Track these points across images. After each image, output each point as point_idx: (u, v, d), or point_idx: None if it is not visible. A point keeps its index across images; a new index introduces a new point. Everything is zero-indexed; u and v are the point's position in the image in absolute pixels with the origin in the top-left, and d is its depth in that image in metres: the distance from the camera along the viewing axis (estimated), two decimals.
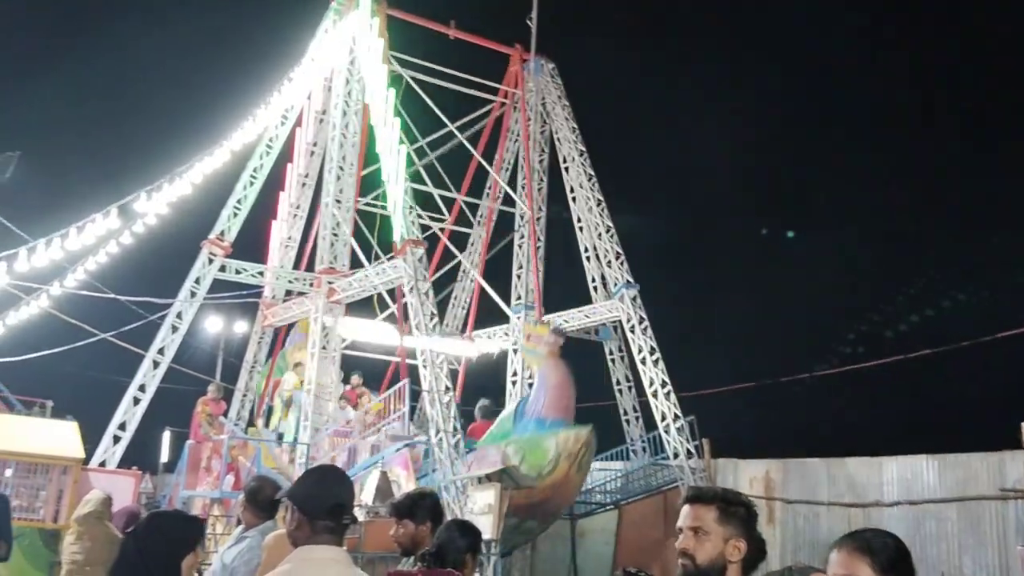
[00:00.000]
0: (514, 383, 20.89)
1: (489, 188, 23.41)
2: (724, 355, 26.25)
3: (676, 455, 17.89)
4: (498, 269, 22.54)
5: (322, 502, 3.43)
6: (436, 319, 17.08)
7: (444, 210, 21.63)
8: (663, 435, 18.29)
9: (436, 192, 20.96)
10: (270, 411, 19.98)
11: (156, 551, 3.92)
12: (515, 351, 21.02)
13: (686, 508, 3.25)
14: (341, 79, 20.09)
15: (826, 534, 15.57)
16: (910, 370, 18.29)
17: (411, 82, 20.13)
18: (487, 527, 12.79)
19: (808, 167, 31.04)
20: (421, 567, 4.81)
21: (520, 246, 22.01)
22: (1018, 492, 13.69)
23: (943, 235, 27.49)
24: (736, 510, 3.20)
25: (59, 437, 12.77)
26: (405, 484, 14.58)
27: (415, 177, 19.19)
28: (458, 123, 21.90)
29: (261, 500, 5.93)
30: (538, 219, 22.25)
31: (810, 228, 30.13)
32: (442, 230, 21.36)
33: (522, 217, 22.24)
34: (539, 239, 22.10)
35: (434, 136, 21.54)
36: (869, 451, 16.16)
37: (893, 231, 28.57)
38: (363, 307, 19.85)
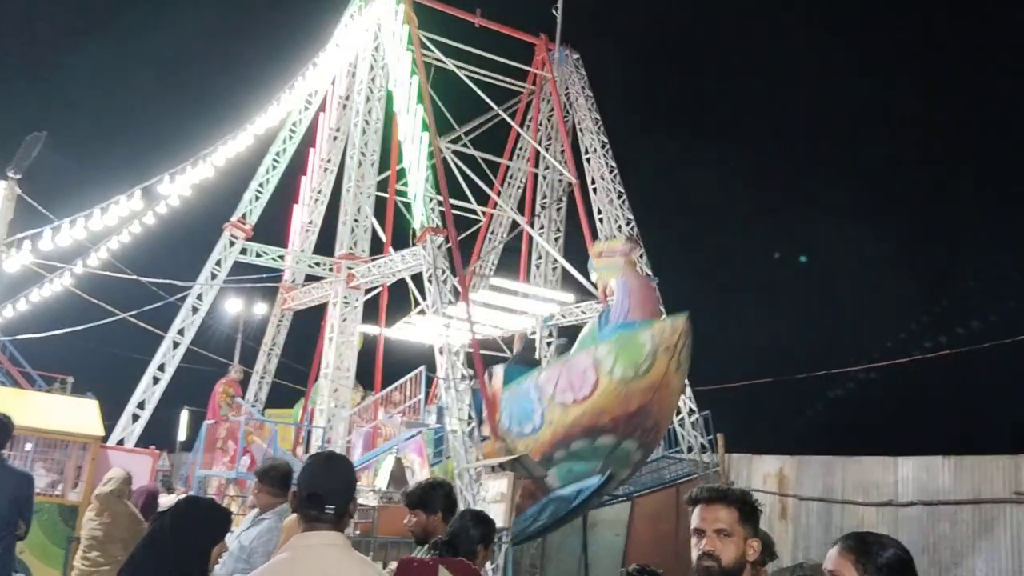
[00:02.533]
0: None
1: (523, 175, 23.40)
2: (741, 350, 26.18)
3: (690, 449, 17.90)
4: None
5: (301, 490, 3.46)
6: (453, 305, 17.09)
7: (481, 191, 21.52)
8: (678, 429, 18.29)
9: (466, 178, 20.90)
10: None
11: (190, 535, 4.00)
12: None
13: (707, 508, 3.22)
14: (365, 65, 20.12)
15: (839, 532, 15.51)
16: (928, 371, 18.21)
17: (449, 68, 19.99)
18: (500, 515, 12.81)
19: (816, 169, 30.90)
20: (434, 555, 4.85)
21: (541, 235, 22.00)
22: None
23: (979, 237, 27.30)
24: (752, 510, 3.24)
25: (79, 414, 12.88)
26: (419, 470, 14.68)
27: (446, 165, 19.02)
28: (490, 113, 21.86)
29: (274, 477, 5.99)
30: (557, 209, 22.31)
31: (830, 227, 30.00)
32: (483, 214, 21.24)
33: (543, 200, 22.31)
34: (559, 229, 22.19)
35: (467, 127, 21.51)
36: (884, 450, 16.13)
37: (917, 230, 28.39)
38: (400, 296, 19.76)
